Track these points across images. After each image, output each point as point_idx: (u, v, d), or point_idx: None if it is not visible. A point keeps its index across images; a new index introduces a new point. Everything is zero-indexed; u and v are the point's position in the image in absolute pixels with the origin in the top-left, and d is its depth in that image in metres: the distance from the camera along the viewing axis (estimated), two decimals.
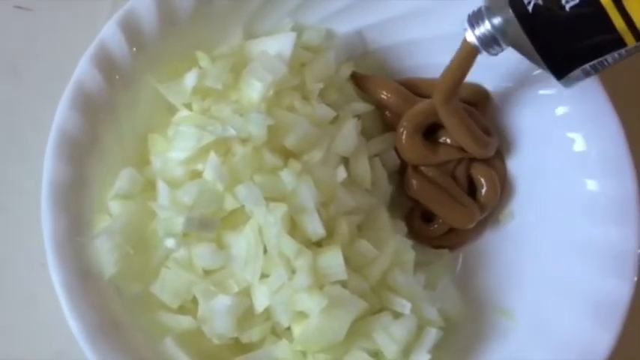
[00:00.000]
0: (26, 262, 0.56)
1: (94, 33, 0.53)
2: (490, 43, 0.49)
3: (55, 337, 0.53)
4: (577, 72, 0.47)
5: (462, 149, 0.57)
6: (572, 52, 0.46)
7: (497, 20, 0.48)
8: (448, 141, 0.58)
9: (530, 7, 0.45)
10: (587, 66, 0.47)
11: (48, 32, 0.62)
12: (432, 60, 0.59)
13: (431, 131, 0.58)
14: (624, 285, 0.52)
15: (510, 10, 0.46)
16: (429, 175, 0.58)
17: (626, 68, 0.52)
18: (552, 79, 0.55)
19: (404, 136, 0.57)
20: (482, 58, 0.57)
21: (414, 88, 0.59)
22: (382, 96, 0.58)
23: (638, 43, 0.44)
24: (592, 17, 0.44)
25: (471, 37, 0.50)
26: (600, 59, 0.46)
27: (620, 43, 0.44)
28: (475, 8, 0.50)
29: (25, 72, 0.61)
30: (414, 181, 0.58)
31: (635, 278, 0.52)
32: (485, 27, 0.49)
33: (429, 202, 0.58)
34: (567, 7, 0.44)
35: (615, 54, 0.46)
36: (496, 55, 0.51)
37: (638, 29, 0.44)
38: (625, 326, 0.52)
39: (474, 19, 0.50)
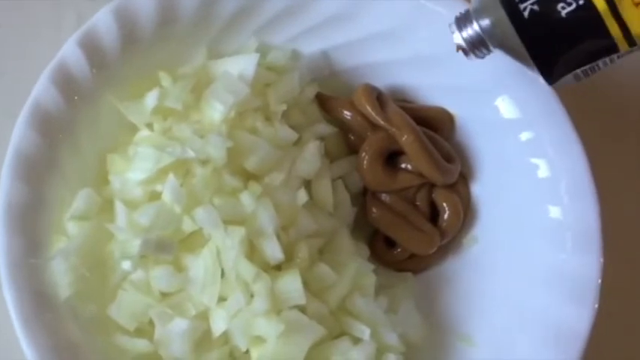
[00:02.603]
0: None
1: (58, 48, 0.53)
2: (477, 45, 0.49)
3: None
4: (569, 76, 0.47)
5: (423, 175, 0.57)
6: (567, 58, 0.46)
7: (485, 22, 0.48)
8: (409, 167, 0.57)
9: (526, 14, 0.45)
10: (579, 71, 0.47)
11: (12, 48, 0.62)
12: (397, 82, 0.59)
13: (392, 157, 0.58)
14: (585, 313, 0.52)
15: (503, 13, 0.46)
16: (388, 201, 0.58)
17: (592, 93, 0.52)
18: (517, 104, 0.56)
19: (365, 162, 0.57)
20: (447, 80, 0.57)
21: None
22: (346, 118, 0.58)
23: (631, 48, 0.45)
24: (588, 23, 0.44)
25: (459, 39, 0.49)
26: (593, 64, 0.46)
27: (614, 48, 0.45)
28: (462, 11, 0.49)
29: None
30: (373, 209, 0.57)
31: (596, 306, 0.52)
32: (473, 29, 0.48)
33: (388, 230, 0.58)
34: (563, 13, 0.44)
35: (607, 59, 0.46)
36: (482, 57, 0.50)
37: (633, 36, 0.44)
38: (585, 355, 0.52)
39: (462, 22, 0.49)
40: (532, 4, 0.45)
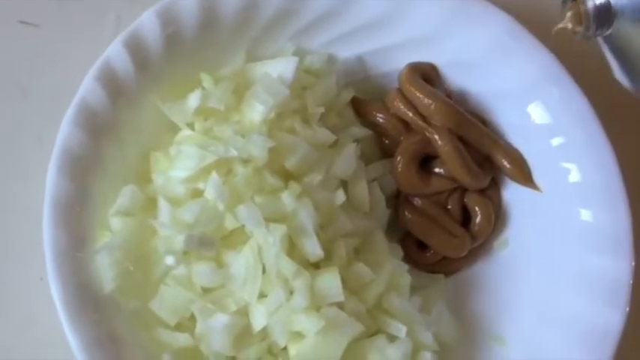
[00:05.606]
0: (26, 276, 0.56)
1: (98, 49, 0.54)
2: (602, 19, 0.47)
3: (54, 352, 0.53)
4: None
5: (455, 180, 0.58)
6: None
7: None
8: (442, 172, 0.58)
9: None
10: None
11: (52, 48, 0.62)
12: None
13: (426, 161, 0.59)
14: (616, 315, 0.53)
15: None
16: (420, 205, 0.59)
17: (621, 98, 0.53)
18: (549, 109, 0.57)
19: (400, 166, 0.58)
20: (480, 86, 0.58)
21: None
22: (380, 121, 0.59)
23: None
24: None
25: (587, 3, 0.48)
26: None
27: None
28: None
29: (29, 88, 0.61)
30: (406, 212, 0.59)
31: (627, 308, 0.53)
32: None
33: (420, 233, 0.59)
34: None
35: None
36: (590, 38, 0.49)
37: None
38: (616, 356, 0.52)
39: None
40: None
